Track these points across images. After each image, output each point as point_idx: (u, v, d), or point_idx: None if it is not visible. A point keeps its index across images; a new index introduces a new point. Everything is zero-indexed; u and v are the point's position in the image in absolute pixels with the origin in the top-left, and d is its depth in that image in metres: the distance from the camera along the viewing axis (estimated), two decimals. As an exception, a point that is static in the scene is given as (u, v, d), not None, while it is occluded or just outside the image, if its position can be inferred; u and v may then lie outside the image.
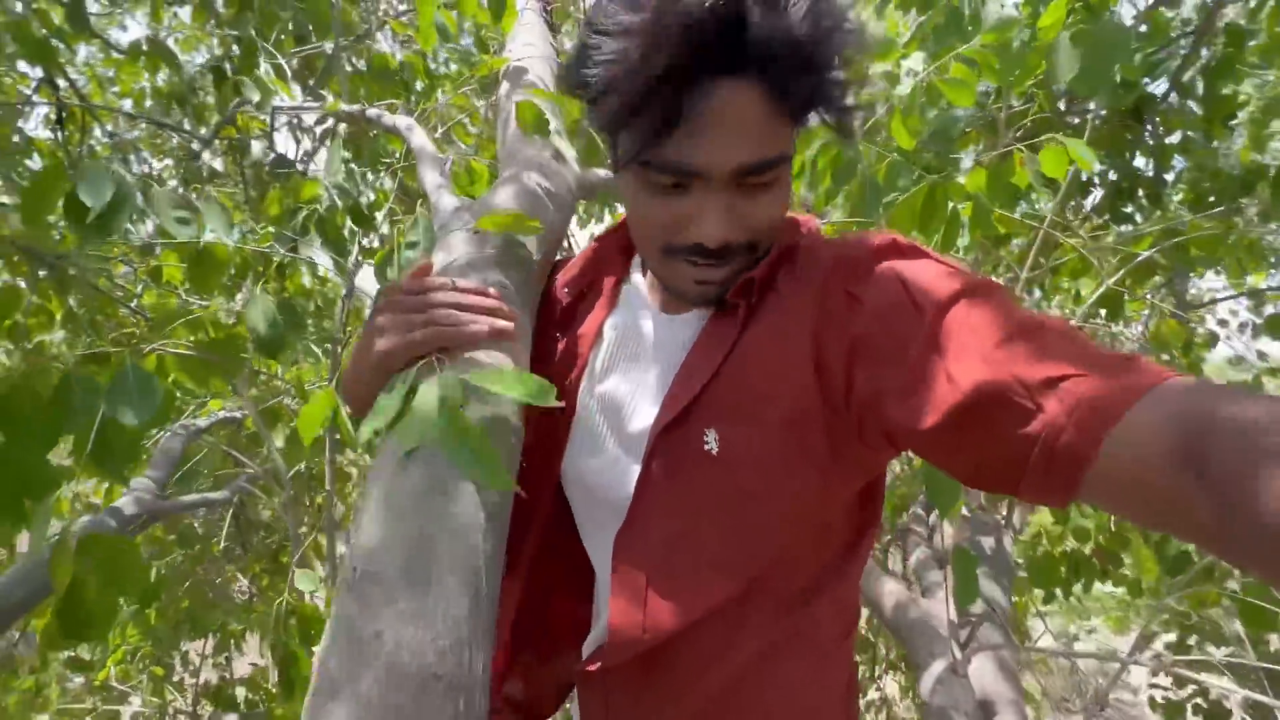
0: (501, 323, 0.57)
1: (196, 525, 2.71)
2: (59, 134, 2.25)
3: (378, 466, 0.50)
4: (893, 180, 1.28)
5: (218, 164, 2.11)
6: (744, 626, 0.58)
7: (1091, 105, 2.06)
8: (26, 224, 0.96)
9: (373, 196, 1.16)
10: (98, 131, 2.47)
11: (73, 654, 2.55)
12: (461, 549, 0.46)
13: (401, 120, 0.84)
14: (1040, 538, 2.06)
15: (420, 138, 0.80)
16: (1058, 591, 2.01)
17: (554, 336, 0.68)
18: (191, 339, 1.07)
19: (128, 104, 2.62)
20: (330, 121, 1.15)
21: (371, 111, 0.97)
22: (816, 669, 0.62)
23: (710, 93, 0.48)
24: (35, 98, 2.33)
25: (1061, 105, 2.11)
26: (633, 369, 0.62)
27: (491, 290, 0.60)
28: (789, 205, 0.56)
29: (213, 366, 0.99)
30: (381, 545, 0.45)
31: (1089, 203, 2.55)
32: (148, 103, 2.44)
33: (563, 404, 0.52)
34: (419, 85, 1.41)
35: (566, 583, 0.72)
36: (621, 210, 1.00)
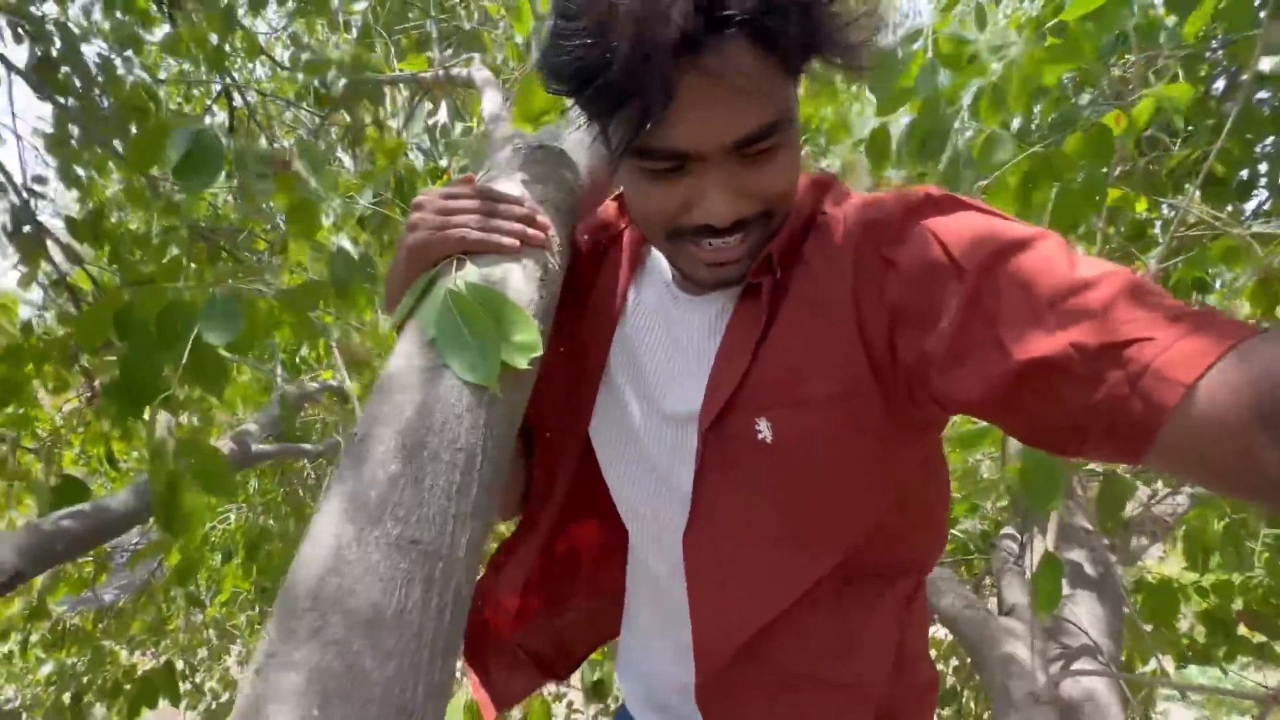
0: (533, 231, 0.56)
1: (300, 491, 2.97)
2: (230, 139, 2.61)
3: (395, 350, 0.51)
4: (988, 156, 1.17)
5: (345, 159, 2.36)
6: (836, 608, 0.56)
7: (1265, 94, 1.78)
8: (131, 168, 1.09)
9: (447, 162, 1.24)
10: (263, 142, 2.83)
11: (192, 590, 2.87)
12: (458, 429, 0.46)
13: (473, 67, 0.88)
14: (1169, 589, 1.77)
15: (484, 73, 0.83)
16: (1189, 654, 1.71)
17: (571, 288, 0.64)
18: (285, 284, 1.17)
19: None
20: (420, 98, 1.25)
21: (455, 71, 1.03)
22: (907, 632, 0.60)
23: (695, 62, 0.42)
24: (214, 107, 2.72)
25: (1219, 89, 1.84)
26: (659, 350, 0.60)
27: (528, 199, 0.59)
28: (801, 164, 0.52)
29: (300, 304, 1.08)
30: (383, 415, 0.46)
31: (1250, 207, 2.21)
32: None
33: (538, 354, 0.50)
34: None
35: (593, 541, 0.73)
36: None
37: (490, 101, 0.76)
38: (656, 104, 0.43)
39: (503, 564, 0.71)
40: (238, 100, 2.52)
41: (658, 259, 0.63)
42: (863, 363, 0.50)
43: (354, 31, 1.71)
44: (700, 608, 0.57)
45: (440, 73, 1.06)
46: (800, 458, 0.52)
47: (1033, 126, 1.76)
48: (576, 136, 0.77)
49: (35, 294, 2.42)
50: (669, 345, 0.60)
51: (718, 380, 0.54)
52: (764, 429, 0.52)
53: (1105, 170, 1.22)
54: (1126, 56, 1.70)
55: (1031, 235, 0.45)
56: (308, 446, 2.11)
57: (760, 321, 0.53)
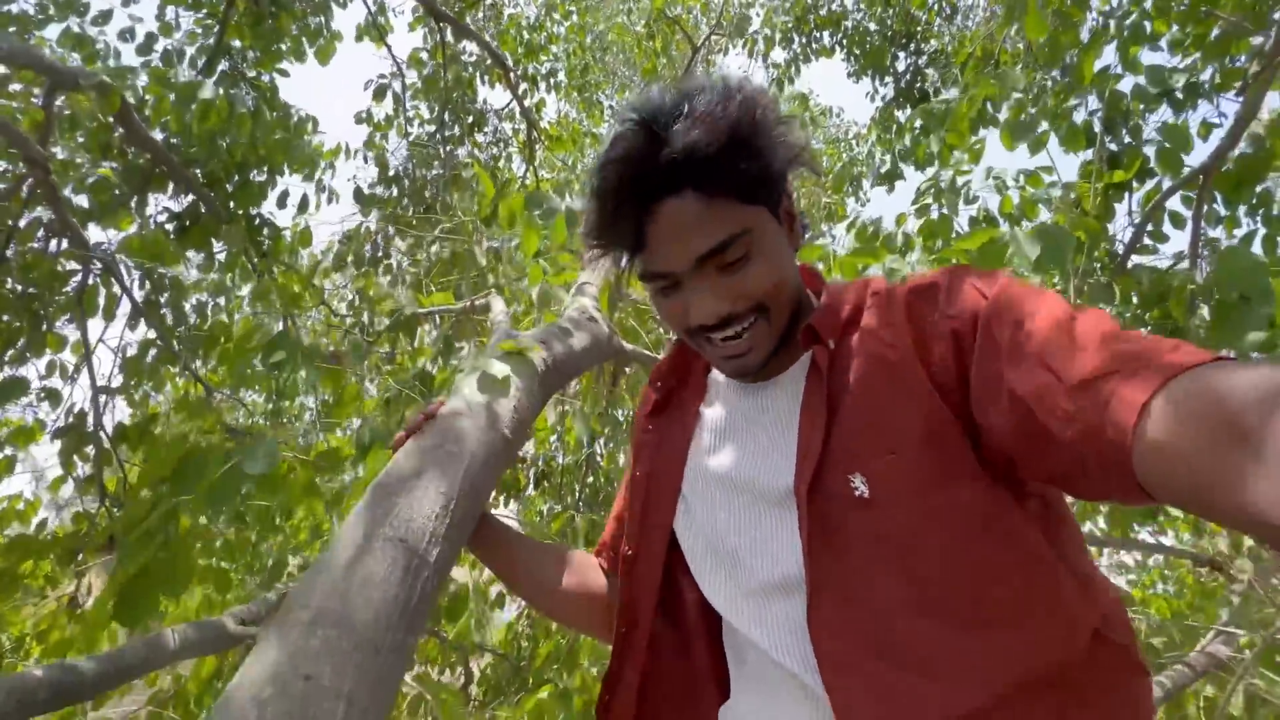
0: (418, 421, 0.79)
1: None
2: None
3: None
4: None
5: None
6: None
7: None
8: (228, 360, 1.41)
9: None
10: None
11: None
12: (443, 481, 0.67)
13: (492, 298, 1.27)
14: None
15: (499, 305, 1.20)
16: None
17: (646, 427, 0.74)
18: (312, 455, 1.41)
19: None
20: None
21: (479, 302, 1.43)
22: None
23: (656, 212, 0.57)
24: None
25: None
26: (740, 440, 0.64)
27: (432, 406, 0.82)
28: (784, 264, 0.61)
29: (322, 465, 1.30)
30: (396, 467, 0.68)
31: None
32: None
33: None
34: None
35: (692, 659, 0.68)
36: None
37: (500, 317, 1.10)
38: (632, 248, 0.60)
39: (609, 702, 0.67)
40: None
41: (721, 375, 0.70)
42: (938, 402, 0.52)
43: (406, 280, 2.25)
44: (847, 698, 0.49)
45: (468, 304, 1.45)
46: (900, 507, 0.51)
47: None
48: (543, 331, 1.10)
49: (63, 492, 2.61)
50: (754, 434, 0.63)
51: (805, 446, 0.56)
52: (859, 485, 0.52)
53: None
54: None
55: (1040, 293, 0.51)
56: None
57: (826, 385, 0.57)
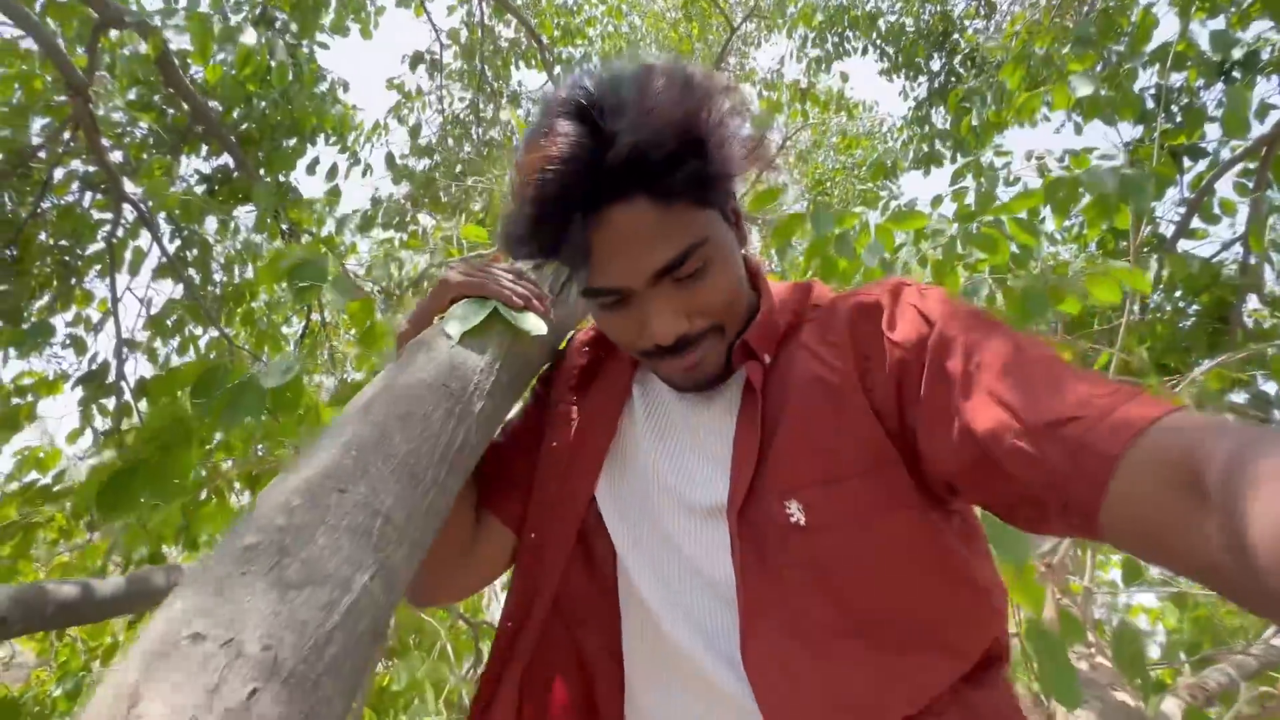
0: (537, 304, 0.64)
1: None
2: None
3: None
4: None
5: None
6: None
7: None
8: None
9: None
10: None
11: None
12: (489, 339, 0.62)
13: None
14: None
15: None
16: None
17: (570, 399, 0.67)
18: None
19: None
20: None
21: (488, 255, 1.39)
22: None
23: (604, 220, 0.50)
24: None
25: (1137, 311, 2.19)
26: (672, 445, 0.60)
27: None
28: (739, 272, 0.57)
29: (345, 400, 1.26)
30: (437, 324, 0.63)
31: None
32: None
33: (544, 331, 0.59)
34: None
35: (589, 657, 0.61)
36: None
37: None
38: (576, 261, 0.52)
39: (488, 705, 0.59)
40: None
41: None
42: (879, 428, 0.51)
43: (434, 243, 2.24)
44: None
45: (476, 255, 1.42)
46: (840, 538, 0.50)
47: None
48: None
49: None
50: (686, 441, 0.60)
51: (739, 467, 0.53)
52: (795, 511, 0.50)
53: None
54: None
55: (988, 318, 0.52)
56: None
57: (760, 405, 0.54)
